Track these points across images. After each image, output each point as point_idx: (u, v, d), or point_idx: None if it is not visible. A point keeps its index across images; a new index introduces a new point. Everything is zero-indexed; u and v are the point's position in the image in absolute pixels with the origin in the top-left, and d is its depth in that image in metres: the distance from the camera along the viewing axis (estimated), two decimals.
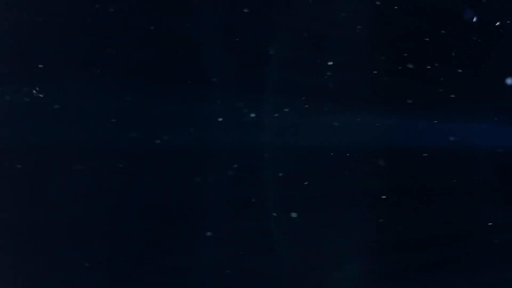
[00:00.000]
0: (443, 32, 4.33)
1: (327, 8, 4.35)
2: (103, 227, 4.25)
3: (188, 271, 4.30)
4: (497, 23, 4.27)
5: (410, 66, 4.31)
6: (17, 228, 4.22)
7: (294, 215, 4.27)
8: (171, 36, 4.30)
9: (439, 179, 4.35)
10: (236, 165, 4.30)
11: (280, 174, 4.33)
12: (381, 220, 4.32)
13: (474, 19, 3.85)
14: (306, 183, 4.32)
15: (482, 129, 4.32)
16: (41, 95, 4.08)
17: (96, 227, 4.24)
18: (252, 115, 4.30)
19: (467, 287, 4.36)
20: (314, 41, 4.35)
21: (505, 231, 4.33)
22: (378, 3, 4.33)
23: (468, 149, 4.32)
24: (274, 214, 4.30)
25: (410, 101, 4.33)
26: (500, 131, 4.31)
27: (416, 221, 4.35)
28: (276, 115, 4.32)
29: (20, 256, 4.21)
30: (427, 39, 4.33)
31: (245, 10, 4.31)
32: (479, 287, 4.35)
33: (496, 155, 4.32)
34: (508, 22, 4.33)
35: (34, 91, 4.13)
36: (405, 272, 4.36)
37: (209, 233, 4.28)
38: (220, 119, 4.29)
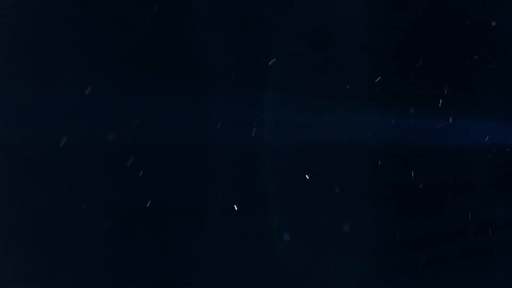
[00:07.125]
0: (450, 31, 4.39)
1: (329, 6, 4.37)
2: (103, 225, 4.20)
3: (190, 269, 4.26)
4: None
5: (415, 64, 4.36)
6: (12, 228, 4.13)
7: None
8: (171, 34, 4.27)
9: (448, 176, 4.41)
10: (239, 163, 4.28)
11: (283, 172, 4.33)
12: (383, 218, 4.35)
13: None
14: (309, 178, 4.33)
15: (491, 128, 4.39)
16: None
17: (96, 226, 4.19)
18: (254, 113, 4.30)
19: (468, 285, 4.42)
20: (315, 39, 4.36)
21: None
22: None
23: (475, 147, 4.38)
24: (278, 212, 4.29)
25: (414, 100, 4.38)
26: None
27: (419, 219, 4.40)
28: (278, 113, 4.32)
29: (19, 256, 4.13)
30: (433, 39, 4.39)
31: (246, 8, 4.30)
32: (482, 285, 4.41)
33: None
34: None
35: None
36: (402, 271, 4.40)
37: (211, 231, 4.26)
38: (221, 118, 4.27)
